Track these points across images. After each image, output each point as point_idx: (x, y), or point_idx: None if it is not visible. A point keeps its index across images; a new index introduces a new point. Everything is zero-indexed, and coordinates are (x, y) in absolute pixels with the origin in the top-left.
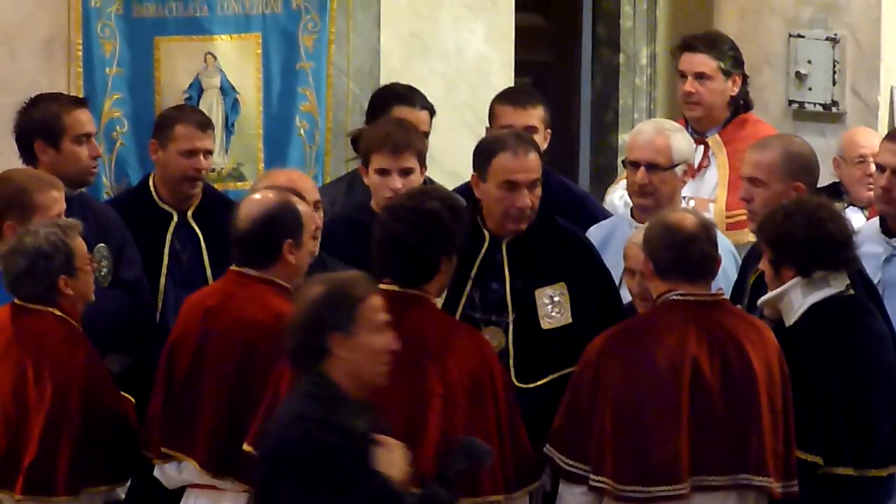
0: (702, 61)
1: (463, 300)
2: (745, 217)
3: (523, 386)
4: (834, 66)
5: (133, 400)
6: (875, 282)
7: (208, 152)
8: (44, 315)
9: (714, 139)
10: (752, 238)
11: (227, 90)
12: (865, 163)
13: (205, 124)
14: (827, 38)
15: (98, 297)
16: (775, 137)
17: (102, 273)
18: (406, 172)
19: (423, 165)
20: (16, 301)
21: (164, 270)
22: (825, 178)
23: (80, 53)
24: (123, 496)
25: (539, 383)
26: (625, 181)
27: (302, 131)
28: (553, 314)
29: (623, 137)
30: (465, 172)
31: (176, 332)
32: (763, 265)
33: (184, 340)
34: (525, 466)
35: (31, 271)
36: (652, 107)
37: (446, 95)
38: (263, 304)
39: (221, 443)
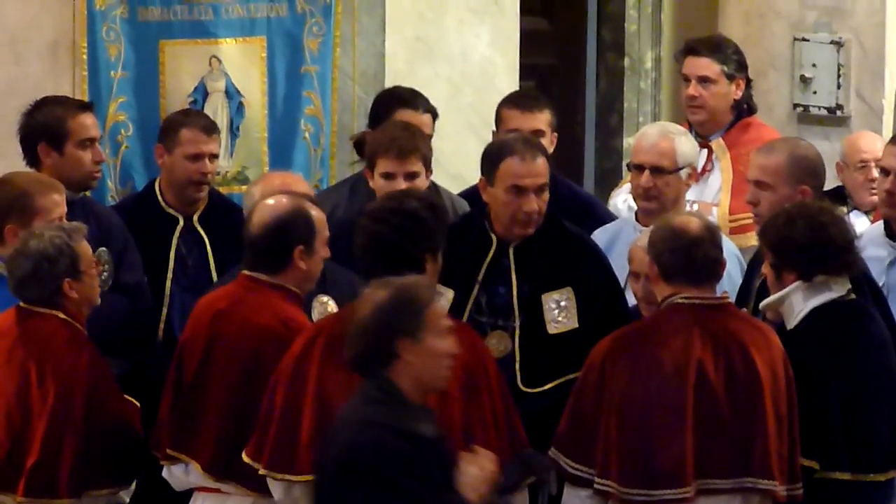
0: (705, 65)
1: (469, 304)
2: (748, 221)
3: (530, 390)
4: (839, 69)
5: (138, 404)
6: (879, 285)
7: (214, 156)
8: (48, 318)
9: (717, 143)
10: (755, 242)
11: (232, 94)
12: (867, 167)
13: (210, 128)
14: (832, 42)
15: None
16: (781, 141)
17: (103, 277)
18: (411, 176)
19: (428, 169)
20: (21, 304)
21: (169, 275)
22: (830, 182)
23: (86, 57)
24: (127, 500)
25: (545, 388)
26: (628, 185)
27: (307, 135)
28: (560, 319)
29: (628, 141)
30: (470, 176)
31: (186, 333)
32: (765, 269)
33: (192, 342)
34: None
35: (36, 274)
36: (657, 110)
37: (451, 99)
38: (272, 309)
39: (225, 446)
